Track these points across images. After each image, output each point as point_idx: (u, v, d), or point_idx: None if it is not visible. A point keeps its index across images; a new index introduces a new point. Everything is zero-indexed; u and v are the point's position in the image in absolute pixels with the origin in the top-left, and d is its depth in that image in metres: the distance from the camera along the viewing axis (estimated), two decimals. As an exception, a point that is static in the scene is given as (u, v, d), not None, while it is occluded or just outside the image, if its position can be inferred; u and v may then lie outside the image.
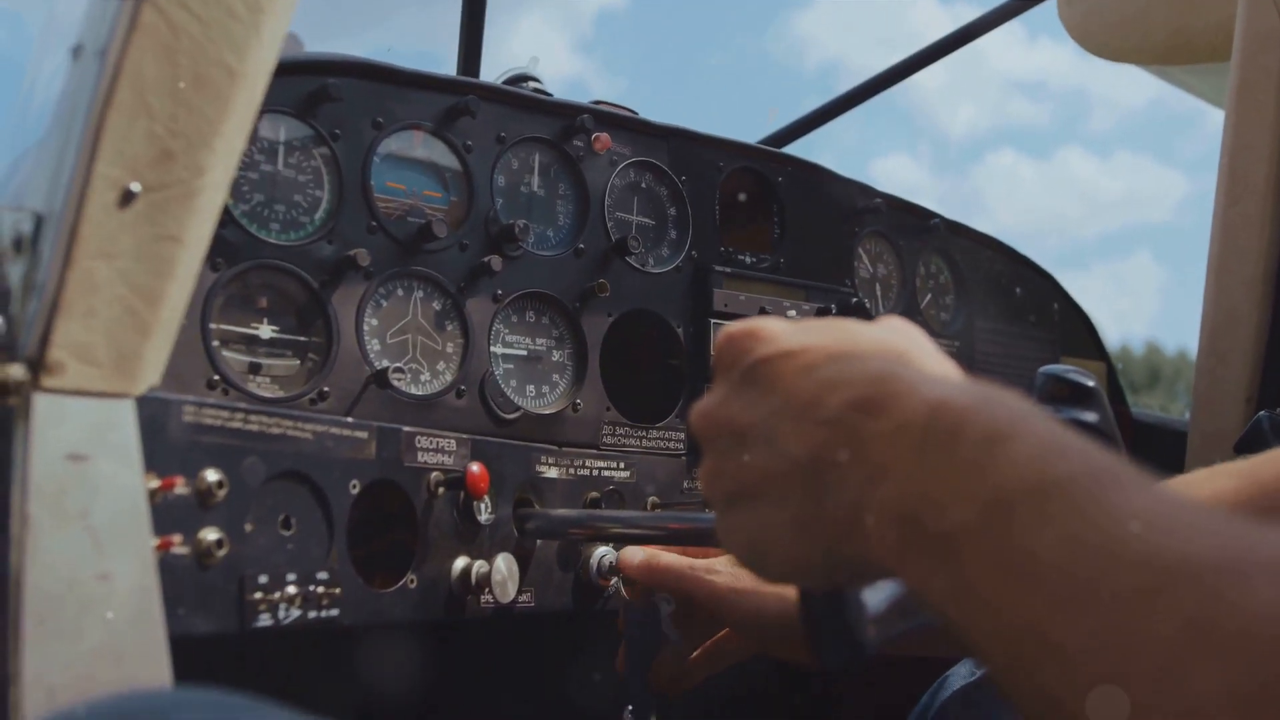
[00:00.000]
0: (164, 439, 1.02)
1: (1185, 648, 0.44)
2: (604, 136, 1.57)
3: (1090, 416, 0.83)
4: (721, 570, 1.22)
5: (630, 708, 1.23)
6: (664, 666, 1.25)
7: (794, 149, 1.92)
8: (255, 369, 1.25)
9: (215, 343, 1.21)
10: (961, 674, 1.32)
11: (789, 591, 1.16)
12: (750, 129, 2.16)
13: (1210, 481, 0.96)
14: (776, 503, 0.66)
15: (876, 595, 0.70)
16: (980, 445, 0.55)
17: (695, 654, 1.26)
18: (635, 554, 1.29)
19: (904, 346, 0.70)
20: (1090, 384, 0.84)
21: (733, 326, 0.72)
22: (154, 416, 1.00)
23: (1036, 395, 0.87)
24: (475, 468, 1.29)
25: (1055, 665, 0.48)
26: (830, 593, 0.69)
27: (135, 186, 0.82)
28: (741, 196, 1.76)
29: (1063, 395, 0.85)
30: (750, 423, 0.67)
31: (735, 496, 0.68)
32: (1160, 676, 0.44)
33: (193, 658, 0.87)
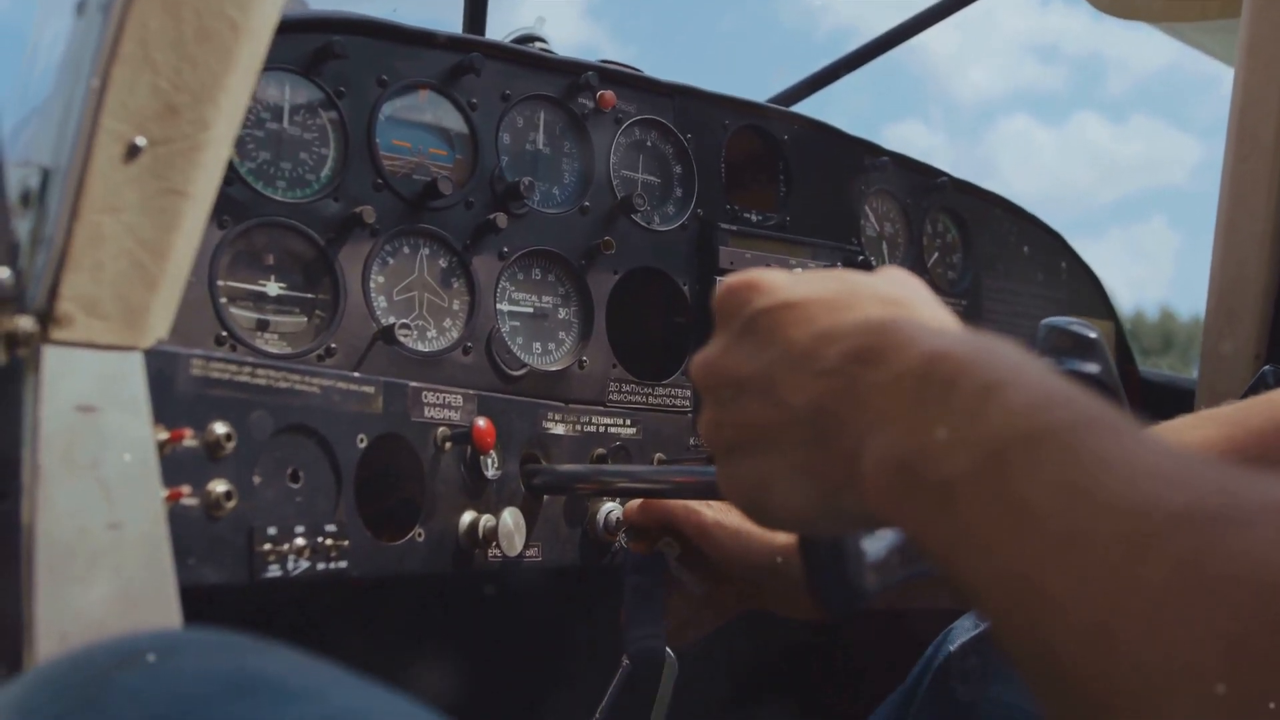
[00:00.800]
0: (172, 392, 1.02)
1: (1176, 594, 0.44)
2: (609, 94, 1.56)
3: (1092, 368, 0.84)
4: (713, 506, 1.23)
5: (627, 657, 1.24)
6: (672, 614, 1.26)
7: (803, 112, 1.91)
8: (263, 326, 1.26)
9: (223, 300, 1.21)
10: (965, 627, 1.33)
11: (778, 539, 1.18)
12: (760, 95, 2.15)
13: (1198, 428, 0.96)
14: (776, 453, 0.66)
15: (876, 543, 0.71)
16: (976, 394, 0.55)
17: (701, 601, 1.28)
18: (637, 501, 1.30)
19: (903, 297, 0.70)
20: (1092, 335, 0.85)
21: (733, 278, 0.73)
22: (162, 370, 1.01)
23: (1039, 347, 0.87)
24: (482, 423, 1.29)
25: (1048, 612, 0.48)
26: (830, 540, 0.70)
27: (140, 141, 0.83)
28: (747, 155, 1.75)
29: (1065, 347, 0.85)
30: (750, 373, 0.68)
31: (735, 446, 0.69)
32: (1151, 623, 0.44)
33: (203, 609, 0.89)
